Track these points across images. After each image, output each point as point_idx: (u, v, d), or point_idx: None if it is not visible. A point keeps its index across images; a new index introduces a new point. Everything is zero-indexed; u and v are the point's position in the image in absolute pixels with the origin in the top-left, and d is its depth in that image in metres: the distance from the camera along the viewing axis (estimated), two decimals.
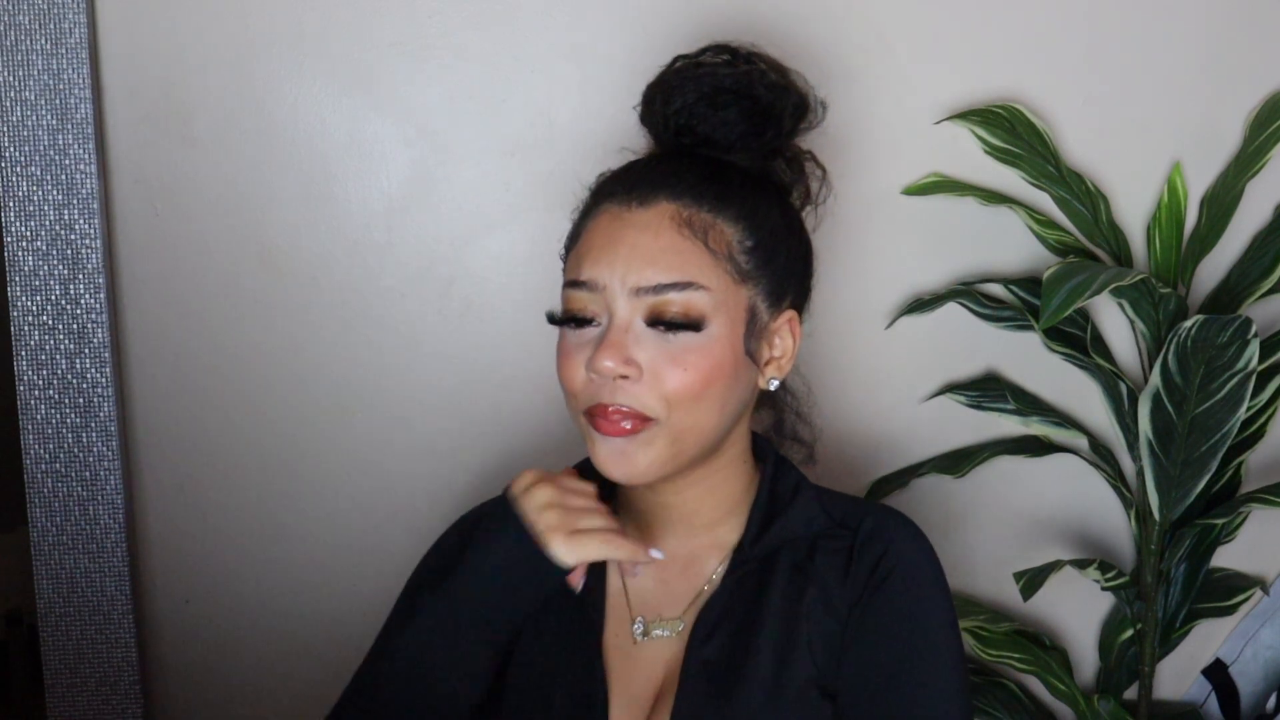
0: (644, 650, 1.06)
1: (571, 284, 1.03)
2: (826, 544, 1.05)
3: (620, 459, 1.00)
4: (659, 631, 1.06)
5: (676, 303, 0.98)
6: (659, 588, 1.08)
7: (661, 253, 0.99)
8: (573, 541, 0.98)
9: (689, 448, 1.01)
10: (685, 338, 0.99)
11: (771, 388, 1.07)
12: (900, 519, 1.07)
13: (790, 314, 1.07)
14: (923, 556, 1.05)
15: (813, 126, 1.13)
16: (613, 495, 1.11)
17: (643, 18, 1.47)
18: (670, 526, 1.08)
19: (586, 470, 1.08)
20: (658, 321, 0.98)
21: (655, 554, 1.02)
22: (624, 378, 0.98)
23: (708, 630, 1.03)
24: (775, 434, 1.17)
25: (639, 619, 1.07)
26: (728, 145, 1.07)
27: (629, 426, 0.98)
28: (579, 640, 1.07)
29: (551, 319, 1.04)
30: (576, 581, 1.00)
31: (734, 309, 1.01)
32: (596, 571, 1.09)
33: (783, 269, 1.05)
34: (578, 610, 1.08)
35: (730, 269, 1.01)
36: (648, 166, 1.06)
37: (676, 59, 1.10)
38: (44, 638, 1.49)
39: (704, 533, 1.08)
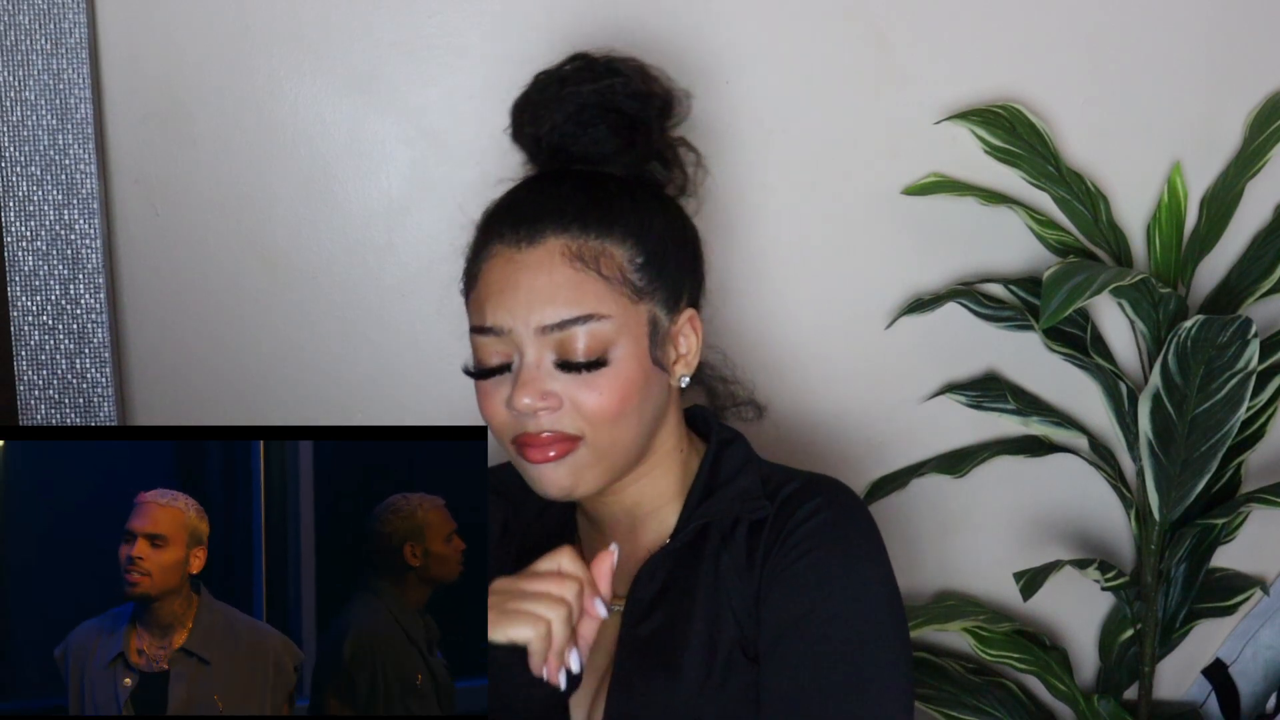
0: (600, 629, 1.09)
1: (478, 330, 1.05)
2: (750, 512, 1.08)
3: (554, 480, 1.04)
4: (610, 609, 1.08)
5: (580, 336, 1.01)
6: (614, 571, 1.10)
7: (558, 289, 1.02)
8: (502, 619, 0.93)
9: (617, 461, 1.05)
10: (595, 370, 1.02)
11: (683, 385, 1.10)
12: (828, 483, 1.08)
13: (689, 312, 1.10)
14: (838, 514, 1.05)
15: (681, 121, 1.15)
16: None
17: (642, 17, 1.47)
18: (617, 521, 1.12)
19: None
20: (566, 364, 1.02)
21: (610, 558, 0.99)
22: (544, 409, 1.02)
23: (644, 608, 1.07)
24: (714, 406, 1.19)
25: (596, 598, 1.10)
26: (601, 159, 1.09)
27: (554, 454, 1.02)
28: None
29: (468, 372, 1.07)
30: (553, 676, 0.94)
31: (636, 327, 1.04)
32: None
33: (674, 273, 1.08)
34: None
35: (626, 290, 1.03)
36: (530, 198, 1.07)
37: (539, 75, 1.12)
38: None
39: (650, 520, 1.11)
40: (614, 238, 1.04)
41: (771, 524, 1.05)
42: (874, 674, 1.00)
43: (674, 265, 1.08)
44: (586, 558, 1.12)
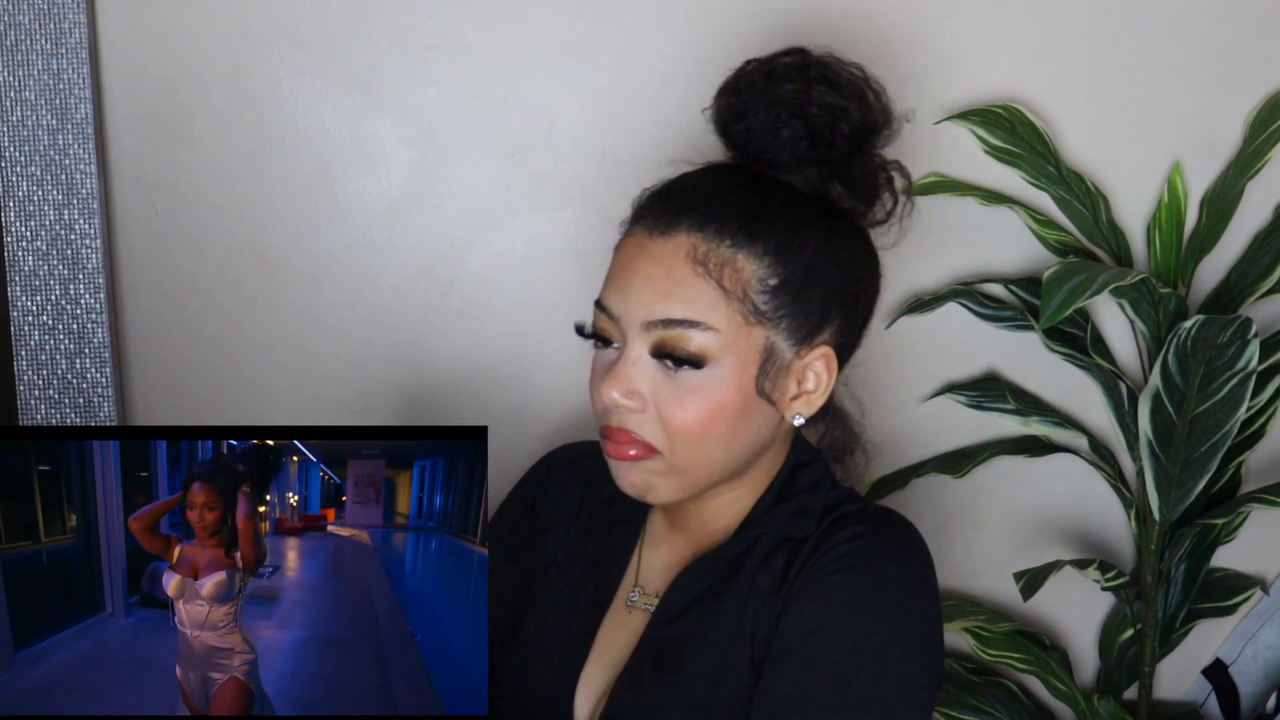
0: (632, 618, 1.09)
1: (597, 304, 1.03)
2: (795, 530, 1.04)
3: (628, 480, 1.03)
4: (646, 605, 1.09)
5: (681, 340, 0.98)
6: (666, 569, 1.10)
7: (673, 287, 0.98)
8: None
9: (699, 479, 1.03)
10: (688, 374, 0.99)
11: (797, 424, 1.05)
12: (886, 514, 1.04)
13: (823, 350, 1.03)
14: (881, 542, 1.00)
15: (886, 145, 1.06)
16: None
17: (642, 18, 1.47)
18: (687, 523, 1.10)
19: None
20: (661, 353, 0.99)
21: None
22: (629, 408, 1.00)
23: (674, 612, 1.05)
24: (828, 453, 1.13)
25: (638, 588, 1.10)
26: (781, 165, 1.03)
27: (633, 453, 1.00)
28: (592, 592, 1.11)
29: (579, 331, 1.05)
30: None
31: (745, 350, 0.99)
32: (629, 533, 1.12)
33: (817, 305, 1.01)
34: (604, 565, 1.12)
35: (744, 309, 0.98)
36: (685, 186, 1.03)
37: (747, 62, 1.06)
38: None
39: (719, 535, 1.09)
40: (751, 252, 0.98)
41: (813, 544, 1.02)
42: (868, 712, 0.94)
43: (819, 296, 1.01)
44: (647, 547, 1.12)
